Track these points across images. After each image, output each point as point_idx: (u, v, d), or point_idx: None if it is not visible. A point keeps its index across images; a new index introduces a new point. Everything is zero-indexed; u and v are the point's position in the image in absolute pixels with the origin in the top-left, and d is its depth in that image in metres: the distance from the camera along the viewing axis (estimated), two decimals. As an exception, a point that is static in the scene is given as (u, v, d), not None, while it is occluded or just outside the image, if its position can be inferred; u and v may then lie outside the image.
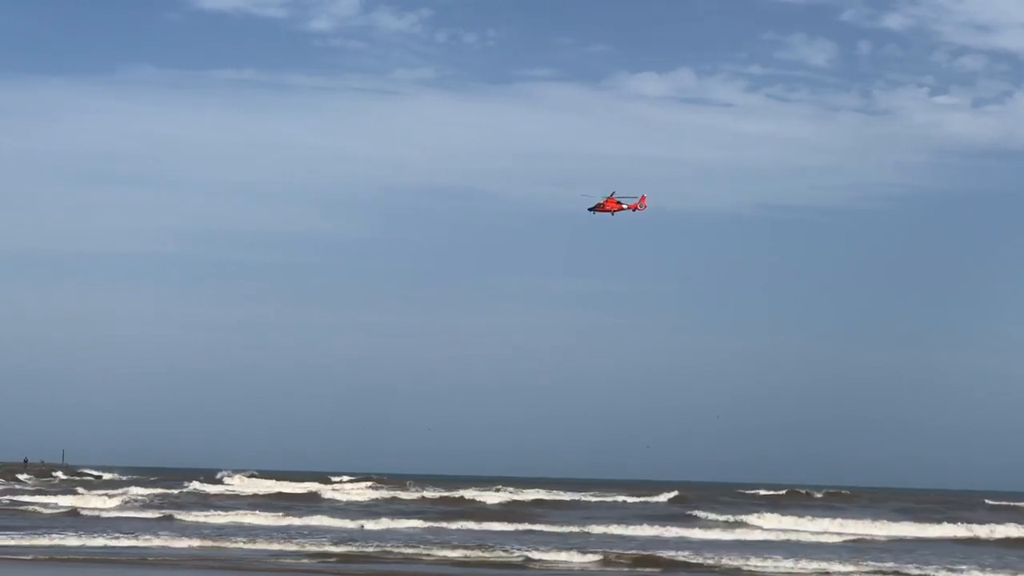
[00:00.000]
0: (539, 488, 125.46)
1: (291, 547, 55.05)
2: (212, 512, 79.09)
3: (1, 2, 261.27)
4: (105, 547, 53.49)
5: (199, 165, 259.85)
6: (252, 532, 62.64)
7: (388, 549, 54.36)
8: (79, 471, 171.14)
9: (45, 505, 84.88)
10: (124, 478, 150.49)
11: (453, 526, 71.09)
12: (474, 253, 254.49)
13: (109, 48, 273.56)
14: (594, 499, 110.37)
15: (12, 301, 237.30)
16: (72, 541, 54.81)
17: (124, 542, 55.27)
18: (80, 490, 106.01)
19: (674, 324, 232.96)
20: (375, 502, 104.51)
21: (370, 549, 54.30)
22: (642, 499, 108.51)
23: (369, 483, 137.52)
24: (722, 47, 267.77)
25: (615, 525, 72.13)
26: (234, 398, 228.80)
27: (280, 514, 76.88)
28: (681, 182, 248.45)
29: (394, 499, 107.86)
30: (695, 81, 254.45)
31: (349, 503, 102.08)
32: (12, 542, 53.91)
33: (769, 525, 76.19)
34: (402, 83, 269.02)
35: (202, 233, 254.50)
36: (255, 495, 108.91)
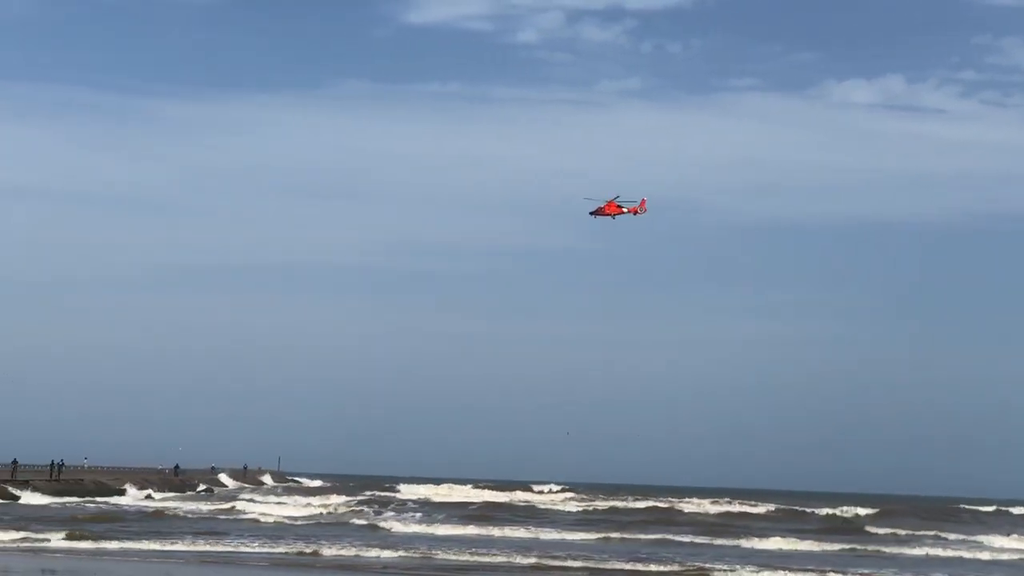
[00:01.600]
0: (732, 498, 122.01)
1: (526, 560, 50.81)
2: (419, 522, 76.61)
3: (215, 24, 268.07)
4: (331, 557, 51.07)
5: (407, 177, 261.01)
6: (466, 542, 60.00)
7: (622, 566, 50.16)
8: (289, 477, 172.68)
9: (237, 511, 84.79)
10: (328, 485, 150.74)
11: (675, 538, 67.80)
12: (677, 264, 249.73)
13: (319, 64, 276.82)
14: (788, 508, 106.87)
15: (231, 313, 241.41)
16: (279, 548, 52.79)
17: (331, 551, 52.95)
18: (277, 498, 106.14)
19: (880, 335, 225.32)
20: (587, 511, 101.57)
21: (610, 565, 49.97)
22: (841, 511, 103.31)
23: (570, 493, 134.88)
24: (933, 52, 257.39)
25: (836, 542, 66.75)
26: (430, 406, 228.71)
27: (491, 527, 73.17)
28: (890, 191, 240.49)
29: (612, 509, 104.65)
30: (905, 87, 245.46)
31: (555, 512, 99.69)
32: (229, 548, 52.58)
33: (1007, 545, 70.08)
34: (607, 94, 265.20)
35: (410, 244, 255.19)
36: (461, 503, 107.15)
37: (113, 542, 53.13)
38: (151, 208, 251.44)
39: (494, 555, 52.34)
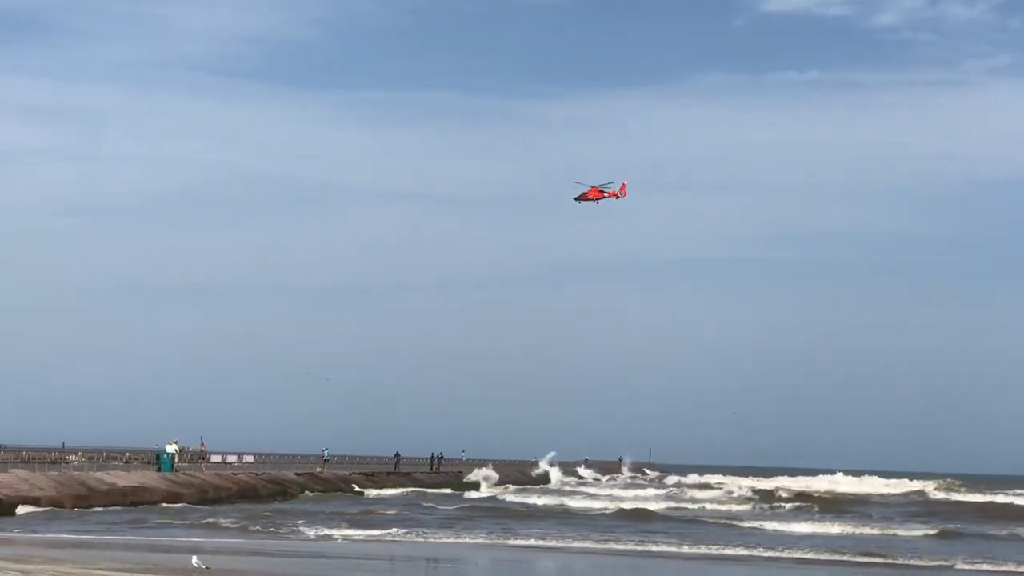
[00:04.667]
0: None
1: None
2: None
3: (576, 23, 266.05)
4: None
5: (770, 168, 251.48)
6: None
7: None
8: (655, 469, 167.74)
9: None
10: (661, 475, 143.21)
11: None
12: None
13: (679, 58, 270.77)
14: None
15: (612, 311, 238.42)
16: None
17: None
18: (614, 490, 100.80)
19: None
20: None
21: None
22: None
23: (936, 483, 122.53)
24: None
25: None
26: (807, 399, 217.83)
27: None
28: None
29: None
30: None
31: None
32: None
33: None
34: (974, 73, 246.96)
35: (779, 235, 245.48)
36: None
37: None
38: (530, 208, 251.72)
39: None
